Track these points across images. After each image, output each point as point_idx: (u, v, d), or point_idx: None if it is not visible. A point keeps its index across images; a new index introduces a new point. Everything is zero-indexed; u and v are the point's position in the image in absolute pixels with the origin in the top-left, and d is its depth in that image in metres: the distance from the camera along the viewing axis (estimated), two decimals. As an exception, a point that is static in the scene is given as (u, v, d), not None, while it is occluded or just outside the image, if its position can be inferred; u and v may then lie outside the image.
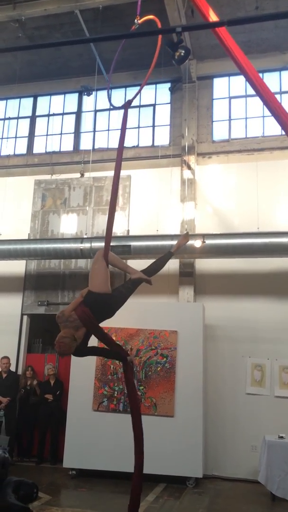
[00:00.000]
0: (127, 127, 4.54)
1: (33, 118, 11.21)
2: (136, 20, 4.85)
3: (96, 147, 10.54)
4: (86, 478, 7.67)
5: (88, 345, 4.32)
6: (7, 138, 11.20)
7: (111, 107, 5.03)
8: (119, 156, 4.45)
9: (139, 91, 4.68)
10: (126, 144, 10.33)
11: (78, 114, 10.98)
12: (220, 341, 8.65)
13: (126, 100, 4.62)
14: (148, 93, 10.58)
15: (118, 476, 7.55)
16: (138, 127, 10.41)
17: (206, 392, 8.17)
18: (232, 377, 8.49)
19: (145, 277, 4.51)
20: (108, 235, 4.42)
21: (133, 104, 4.93)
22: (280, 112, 3.47)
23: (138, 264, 8.94)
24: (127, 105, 4.49)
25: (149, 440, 7.66)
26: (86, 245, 8.90)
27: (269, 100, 3.50)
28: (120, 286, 4.65)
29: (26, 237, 9.97)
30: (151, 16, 4.67)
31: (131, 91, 10.59)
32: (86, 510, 6.07)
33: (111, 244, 9.33)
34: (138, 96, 10.52)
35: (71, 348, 4.02)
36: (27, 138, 11.11)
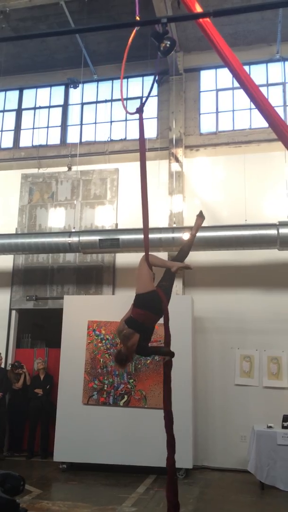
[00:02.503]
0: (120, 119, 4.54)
1: (19, 111, 11.09)
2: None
3: (83, 140, 10.47)
4: (77, 472, 7.70)
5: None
6: (-7, 131, 11.07)
7: (126, 113, 5.05)
8: (143, 158, 4.50)
9: (148, 96, 4.76)
10: (113, 137, 10.35)
11: (65, 107, 10.88)
12: (209, 333, 8.71)
13: (139, 107, 4.67)
14: (135, 86, 10.52)
15: (109, 468, 7.60)
16: (126, 120, 10.36)
17: (195, 383, 8.23)
18: (221, 368, 8.56)
19: (183, 265, 4.83)
20: (146, 239, 4.68)
21: (119, 97, 4.94)
22: (264, 105, 3.47)
23: (127, 257, 9.03)
24: (140, 112, 4.55)
25: (139, 432, 7.75)
26: (74, 239, 8.86)
27: (253, 93, 3.51)
28: (161, 280, 4.82)
29: (14, 232, 9.90)
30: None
31: (118, 84, 10.51)
32: (77, 503, 6.09)
33: (100, 237, 9.33)
34: (124, 89, 10.52)
35: (128, 359, 4.42)
36: (13, 131, 10.98)
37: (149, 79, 10.36)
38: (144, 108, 4.54)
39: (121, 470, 7.59)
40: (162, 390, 7.63)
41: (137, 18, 4.69)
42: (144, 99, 10.15)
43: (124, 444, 7.59)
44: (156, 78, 9.95)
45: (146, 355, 4.69)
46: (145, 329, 4.39)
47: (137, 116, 4.44)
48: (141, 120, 4.47)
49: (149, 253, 4.66)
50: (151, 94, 10.21)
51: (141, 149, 4.58)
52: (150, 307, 4.40)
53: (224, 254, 8.81)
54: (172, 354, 4.54)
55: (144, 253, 4.65)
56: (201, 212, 5.21)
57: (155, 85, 10.32)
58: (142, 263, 4.60)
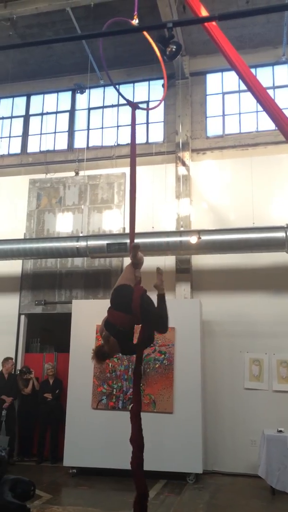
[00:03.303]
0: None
1: (26, 117, 11.18)
2: (134, 19, 4.87)
3: (90, 145, 10.52)
4: (87, 476, 7.68)
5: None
6: (1, 137, 11.16)
7: (123, 99, 5.11)
8: (133, 164, 4.50)
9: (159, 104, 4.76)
10: (120, 142, 10.38)
11: (72, 112, 10.95)
12: (217, 337, 8.67)
13: (135, 103, 4.70)
14: (141, 90, 10.55)
15: (119, 473, 7.57)
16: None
17: (204, 388, 8.19)
18: (230, 372, 8.51)
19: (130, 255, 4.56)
20: (132, 235, 4.69)
21: (125, 102, 5.01)
22: (271, 107, 3.46)
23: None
24: (135, 108, 4.56)
25: (149, 437, 7.70)
26: (82, 243, 8.88)
27: (260, 96, 3.50)
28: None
29: (22, 237, 9.95)
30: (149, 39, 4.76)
31: (124, 88, 10.58)
32: (87, 508, 6.08)
33: (108, 242, 9.34)
34: (131, 94, 10.56)
35: (108, 356, 4.31)
36: (21, 137, 11.07)
37: (155, 83, 10.39)
38: (147, 112, 4.59)
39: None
40: (170, 394, 7.65)
41: (135, 17, 4.70)
42: (147, 104, 10.33)
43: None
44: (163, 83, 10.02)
45: (132, 353, 4.47)
46: (120, 331, 4.11)
47: (142, 119, 4.46)
48: (133, 115, 4.48)
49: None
50: (152, 98, 10.34)
51: (132, 142, 4.58)
52: (120, 305, 4.11)
53: (232, 257, 8.78)
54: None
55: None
56: (158, 268, 4.52)
57: (162, 89, 10.36)
58: (129, 264, 4.56)
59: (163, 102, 10.19)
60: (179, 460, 7.46)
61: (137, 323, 4.16)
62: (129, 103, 4.80)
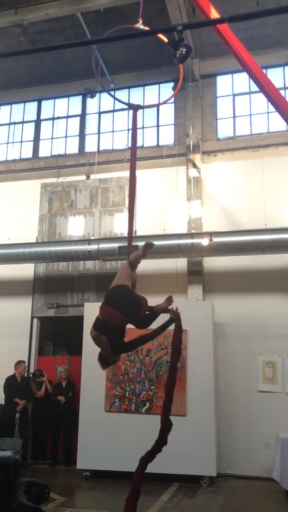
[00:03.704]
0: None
1: (38, 122, 11.27)
2: (139, 22, 4.90)
3: (101, 148, 10.57)
4: (100, 479, 7.68)
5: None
6: (13, 142, 11.26)
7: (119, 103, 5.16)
8: (133, 169, 4.51)
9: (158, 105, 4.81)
10: (130, 145, 10.40)
11: (83, 116, 11.01)
12: (230, 339, 8.63)
13: (137, 105, 4.70)
14: (151, 93, 10.58)
15: (132, 476, 7.55)
16: (143, 128, 10.42)
17: (217, 390, 8.15)
18: (244, 374, 8.46)
19: (139, 252, 4.62)
20: (130, 239, 4.69)
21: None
22: (284, 108, 3.45)
23: (146, 263, 9.01)
24: (136, 109, 4.57)
25: (162, 439, 7.69)
26: (94, 246, 8.92)
27: (273, 96, 3.49)
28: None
29: (34, 241, 10.02)
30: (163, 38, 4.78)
31: (135, 92, 10.61)
32: (100, 511, 6.08)
33: (119, 245, 9.36)
34: (141, 97, 10.59)
35: (108, 359, 4.27)
36: (32, 142, 11.16)
37: (165, 86, 10.41)
38: (158, 115, 4.61)
39: (145, 478, 7.51)
40: (183, 397, 7.62)
41: (139, 19, 4.73)
42: (157, 106, 10.34)
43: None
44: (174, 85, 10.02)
45: (126, 352, 4.51)
46: (111, 329, 4.10)
47: (152, 122, 4.49)
48: (134, 117, 4.48)
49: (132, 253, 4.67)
50: (162, 101, 10.39)
51: (133, 143, 4.58)
52: (114, 302, 4.16)
53: (244, 259, 8.75)
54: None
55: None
56: (170, 297, 4.48)
57: (172, 92, 10.38)
58: (125, 265, 4.61)
59: (173, 105, 10.28)
60: (192, 463, 7.43)
61: (128, 322, 4.25)
62: (129, 105, 4.82)
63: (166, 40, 4.53)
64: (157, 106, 6.43)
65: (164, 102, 5.70)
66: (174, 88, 10.32)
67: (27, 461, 8.67)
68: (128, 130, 10.53)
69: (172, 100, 10.34)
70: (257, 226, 8.56)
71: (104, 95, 10.79)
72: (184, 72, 9.60)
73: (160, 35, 4.83)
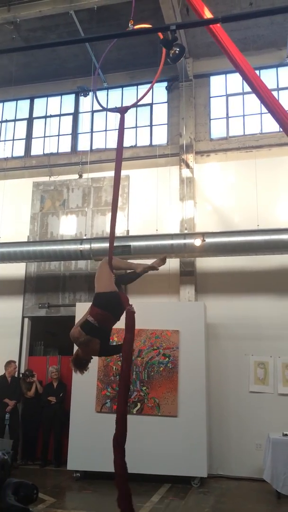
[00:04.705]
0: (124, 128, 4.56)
1: (30, 120, 11.19)
2: (130, 25, 4.88)
3: (93, 147, 10.52)
4: (91, 480, 7.65)
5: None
6: (5, 140, 11.17)
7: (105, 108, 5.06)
8: (118, 165, 4.48)
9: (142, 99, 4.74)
10: (123, 144, 10.36)
11: (75, 115, 10.95)
12: (222, 340, 8.63)
13: (124, 106, 4.64)
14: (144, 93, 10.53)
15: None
16: (136, 127, 10.39)
17: (209, 391, 8.15)
18: (235, 375, 8.46)
19: (150, 265, 4.67)
20: (111, 243, 4.61)
21: (129, 104, 4.93)
22: (277, 109, 3.44)
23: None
24: (123, 113, 4.52)
25: (153, 440, 7.68)
26: (86, 246, 8.87)
27: (265, 97, 3.47)
28: (118, 279, 4.76)
29: (26, 240, 9.95)
30: (146, 26, 4.72)
31: (128, 91, 10.58)
32: (91, 512, 6.05)
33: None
34: (135, 96, 10.55)
35: (87, 363, 4.39)
36: (24, 140, 11.08)
37: (158, 86, 10.38)
38: (151, 114, 4.54)
39: (135, 479, 7.48)
40: (175, 398, 7.61)
41: (131, 22, 4.72)
42: (150, 106, 10.31)
43: (137, 452, 7.49)
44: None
45: (108, 355, 4.57)
46: (102, 332, 4.26)
47: (145, 122, 4.44)
48: (121, 121, 4.45)
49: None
50: (156, 100, 10.33)
51: (119, 146, 4.55)
52: (110, 308, 4.27)
53: (237, 260, 8.75)
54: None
55: (107, 256, 4.62)
56: (164, 258, 4.76)
57: (165, 91, 10.36)
58: (103, 265, 4.55)
59: (166, 104, 10.26)
60: (183, 463, 7.41)
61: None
62: (116, 110, 4.78)
63: (161, 36, 4.50)
64: (137, 103, 6.34)
65: (147, 92, 5.54)
66: (168, 88, 10.30)
67: (17, 462, 8.62)
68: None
69: (165, 99, 10.33)
70: (250, 227, 8.57)
71: (98, 94, 10.73)
72: (177, 72, 9.64)
73: (160, 35, 4.81)
